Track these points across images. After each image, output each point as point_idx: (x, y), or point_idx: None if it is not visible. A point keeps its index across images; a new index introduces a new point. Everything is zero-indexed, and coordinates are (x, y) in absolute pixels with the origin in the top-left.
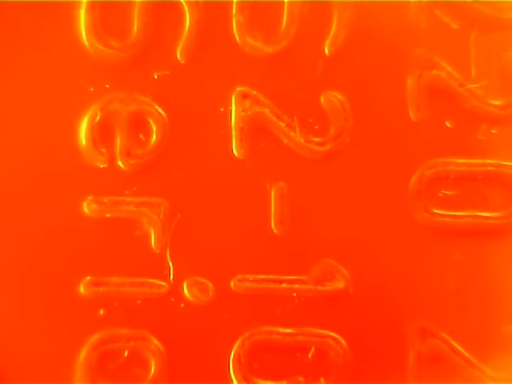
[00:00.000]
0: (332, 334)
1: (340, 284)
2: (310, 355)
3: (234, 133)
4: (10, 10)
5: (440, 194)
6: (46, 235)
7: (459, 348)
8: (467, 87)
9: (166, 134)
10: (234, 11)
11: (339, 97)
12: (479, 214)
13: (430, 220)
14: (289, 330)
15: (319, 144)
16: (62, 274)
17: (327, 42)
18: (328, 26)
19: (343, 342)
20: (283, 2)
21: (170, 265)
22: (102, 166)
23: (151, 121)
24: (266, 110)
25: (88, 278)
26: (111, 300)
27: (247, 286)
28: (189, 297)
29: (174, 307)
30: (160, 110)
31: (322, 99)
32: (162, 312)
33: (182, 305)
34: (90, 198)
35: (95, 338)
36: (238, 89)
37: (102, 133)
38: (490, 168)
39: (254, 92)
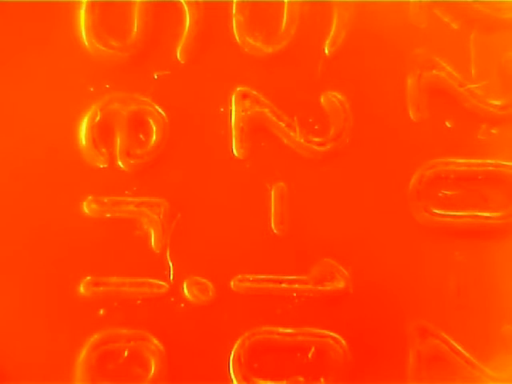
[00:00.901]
0: (332, 334)
1: (340, 284)
2: (309, 355)
3: (234, 133)
4: (10, 9)
5: (440, 194)
6: (46, 235)
7: (459, 348)
8: (467, 87)
9: (166, 133)
10: (234, 11)
11: (339, 97)
12: (479, 214)
13: (430, 220)
14: (289, 330)
15: (319, 144)
16: (62, 274)
17: (327, 42)
18: (328, 26)
19: (343, 342)
20: (283, 2)
21: (170, 265)
22: (102, 166)
23: (151, 121)
24: (266, 110)
25: (88, 278)
26: (111, 300)
27: (247, 286)
28: (189, 297)
29: (174, 307)
30: (160, 110)
31: (322, 99)
32: (162, 312)
33: (182, 305)
34: (90, 198)
35: (95, 337)
36: (238, 89)
37: (102, 133)
38: (490, 168)
39: (254, 92)
